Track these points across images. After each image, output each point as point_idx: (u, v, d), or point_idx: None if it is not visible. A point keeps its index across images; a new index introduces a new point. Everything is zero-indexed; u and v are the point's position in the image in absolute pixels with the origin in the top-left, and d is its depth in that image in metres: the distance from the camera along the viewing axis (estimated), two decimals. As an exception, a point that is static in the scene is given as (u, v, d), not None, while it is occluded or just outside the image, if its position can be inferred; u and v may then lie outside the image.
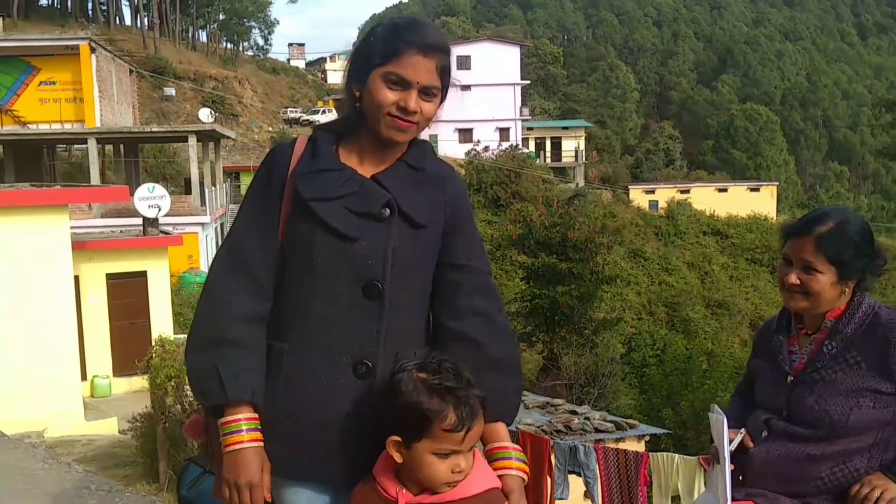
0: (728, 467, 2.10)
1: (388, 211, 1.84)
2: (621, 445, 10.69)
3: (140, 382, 14.14)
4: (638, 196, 50.05)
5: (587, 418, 13.50)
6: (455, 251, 1.95)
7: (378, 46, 1.83)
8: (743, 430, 2.22)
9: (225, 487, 1.80)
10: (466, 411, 1.70)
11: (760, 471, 2.17)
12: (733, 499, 2.12)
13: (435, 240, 1.92)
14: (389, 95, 1.80)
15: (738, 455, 2.19)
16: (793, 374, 2.18)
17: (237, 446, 1.78)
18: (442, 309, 1.95)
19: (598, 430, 12.94)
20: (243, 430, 1.79)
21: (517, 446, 1.89)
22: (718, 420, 2.14)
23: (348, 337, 1.84)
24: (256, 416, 1.82)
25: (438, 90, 1.85)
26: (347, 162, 1.89)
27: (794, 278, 2.14)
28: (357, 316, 1.84)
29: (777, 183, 58.76)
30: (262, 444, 1.82)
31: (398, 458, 1.73)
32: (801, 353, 2.20)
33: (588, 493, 6.56)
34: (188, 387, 8.22)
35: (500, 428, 1.89)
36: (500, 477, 1.81)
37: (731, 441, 2.16)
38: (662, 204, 47.56)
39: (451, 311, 1.93)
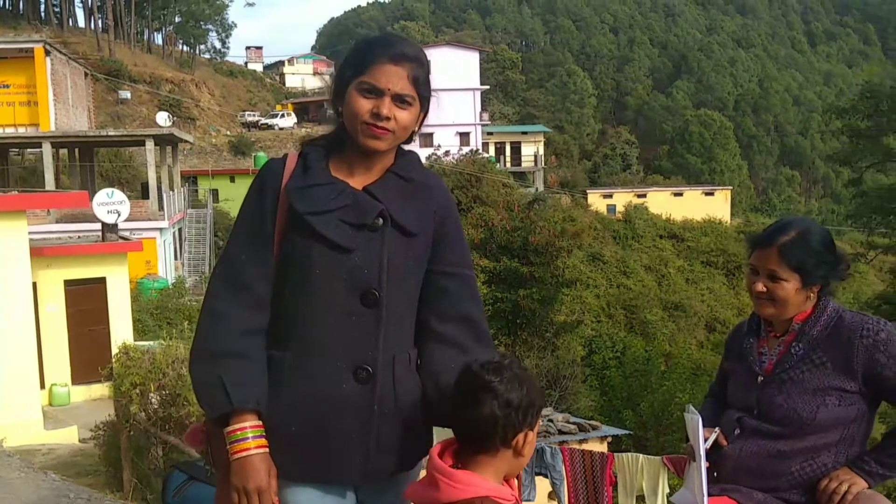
0: (704, 465, 2.21)
1: (381, 221, 1.91)
2: (585, 446, 10.83)
3: (100, 390, 13.93)
4: (596, 200, 50.61)
5: (551, 420, 13.62)
6: (447, 259, 2.03)
7: (353, 61, 1.93)
8: (717, 429, 2.33)
9: (234, 493, 1.86)
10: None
11: (734, 467, 2.28)
12: (709, 494, 2.22)
13: (425, 247, 2.00)
14: (364, 104, 1.88)
15: (713, 452, 2.31)
16: (763, 375, 2.30)
17: (245, 453, 1.85)
18: (430, 313, 2.03)
19: (561, 432, 13.06)
20: (249, 437, 1.86)
21: None
22: (693, 420, 2.25)
23: (348, 344, 1.91)
24: (261, 423, 1.89)
25: (413, 98, 1.92)
26: (338, 175, 1.95)
27: (760, 286, 2.26)
28: (355, 323, 1.91)
29: (731, 187, 59.88)
30: (267, 450, 1.88)
31: (525, 452, 1.84)
32: (771, 354, 2.32)
33: (554, 494, 6.65)
34: (153, 395, 8.16)
35: None
36: None
37: (705, 440, 2.27)
38: (620, 208, 48.14)
39: (439, 315, 2.02)
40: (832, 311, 2.26)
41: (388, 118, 1.88)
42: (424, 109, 1.98)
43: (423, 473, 1.92)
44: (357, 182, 1.96)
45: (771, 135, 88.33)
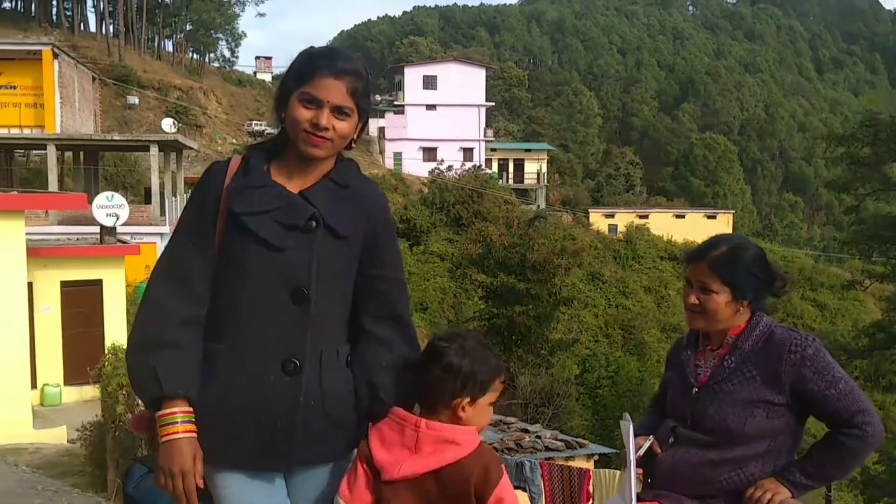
0: (633, 470, 2.29)
1: (314, 223, 2.03)
2: (571, 464, 10.86)
3: (91, 392, 13.99)
4: (598, 220, 50.69)
5: (538, 437, 13.67)
6: (381, 263, 2.16)
7: (296, 72, 2.05)
8: (651, 436, 2.42)
9: (160, 474, 1.97)
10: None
11: (667, 474, 2.36)
12: (642, 500, 2.30)
13: (357, 250, 2.11)
14: (304, 113, 2.00)
15: (648, 459, 2.39)
16: (697, 386, 2.39)
17: (172, 436, 1.96)
18: (363, 313, 2.16)
19: (548, 449, 13.10)
20: (178, 422, 1.97)
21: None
22: (626, 426, 2.33)
23: (277, 338, 2.02)
24: (191, 409, 1.99)
25: (352, 110, 2.03)
26: (278, 179, 2.07)
27: (693, 298, 2.36)
28: (285, 319, 2.02)
29: (734, 211, 59.95)
30: (195, 434, 1.99)
31: (462, 415, 2.03)
32: (706, 366, 2.41)
33: (532, 508, 6.70)
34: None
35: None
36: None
37: (639, 447, 2.36)
38: (621, 228, 48.21)
39: (371, 315, 2.16)
40: (764, 327, 2.34)
41: (326, 128, 2.00)
42: (363, 119, 2.09)
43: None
44: (294, 186, 2.07)
45: (775, 160, 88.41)
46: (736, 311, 2.34)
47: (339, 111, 2.01)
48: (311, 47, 2.10)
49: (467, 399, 2.03)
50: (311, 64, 2.02)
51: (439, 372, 2.02)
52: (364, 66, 2.07)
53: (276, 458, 2.03)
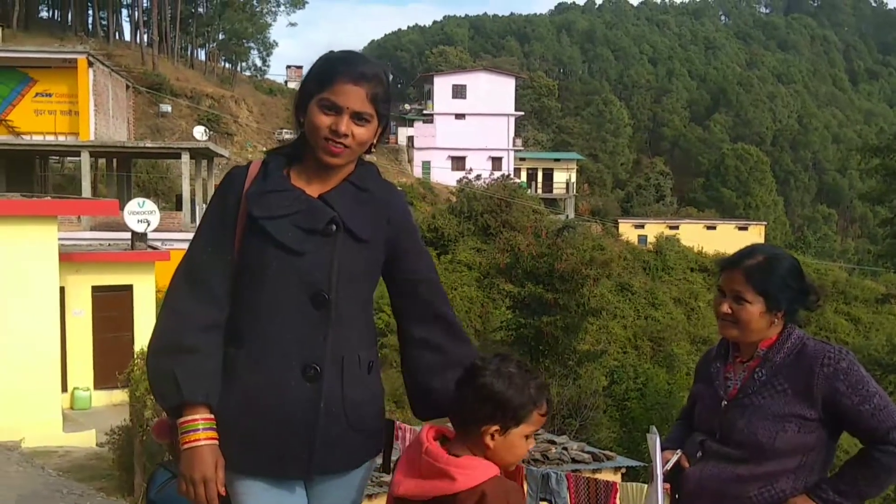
0: (661, 485, 2.23)
1: (333, 227, 2.01)
2: (597, 476, 10.72)
3: (120, 396, 14.14)
4: (627, 230, 50.37)
5: (565, 448, 13.51)
6: (411, 267, 2.14)
7: (315, 76, 2.03)
8: (679, 450, 2.36)
9: (181, 481, 1.96)
10: (550, 400, 1.98)
11: (695, 489, 2.30)
12: None
13: (377, 254, 2.09)
14: (324, 119, 1.99)
15: (676, 474, 2.33)
16: (726, 399, 2.33)
17: (194, 444, 1.94)
18: (408, 319, 2.14)
19: (574, 461, 12.94)
20: (199, 429, 1.95)
21: None
22: (653, 440, 2.28)
23: (297, 343, 1.99)
24: (212, 416, 1.97)
25: (372, 116, 2.01)
26: (297, 183, 2.06)
27: (726, 308, 2.30)
28: (305, 324, 2.00)
29: (766, 223, 59.31)
30: (216, 442, 1.96)
31: (490, 444, 1.89)
32: (736, 379, 2.35)
33: (558, 520, 6.62)
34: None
35: None
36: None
37: (666, 461, 2.30)
38: (651, 239, 47.84)
39: (417, 320, 2.13)
40: (796, 339, 2.28)
41: (345, 135, 1.98)
42: (383, 124, 2.07)
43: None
44: (314, 189, 2.05)
45: (809, 171, 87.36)
46: (769, 322, 2.28)
47: (358, 117, 1.99)
48: (331, 51, 2.08)
49: (496, 427, 1.88)
50: (330, 69, 2.01)
51: (471, 393, 1.90)
52: (384, 71, 2.06)
53: (298, 466, 2.01)
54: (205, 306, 2.00)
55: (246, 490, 2.00)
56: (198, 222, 19.55)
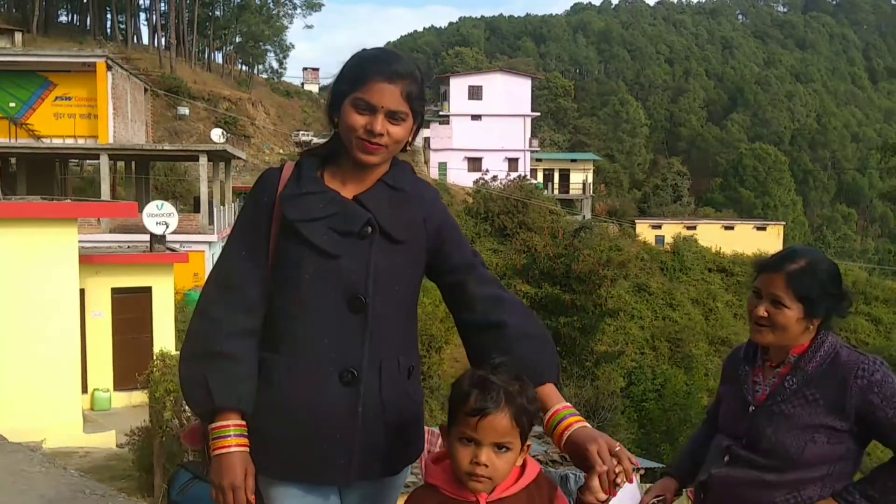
0: None
1: (369, 229, 1.97)
2: (616, 478, 10.67)
3: (140, 397, 14.22)
4: (644, 231, 50.15)
5: (583, 450, 13.46)
6: (451, 260, 2.08)
7: (348, 76, 1.98)
8: (662, 497, 2.39)
9: (212, 488, 1.94)
10: (487, 399, 1.72)
11: (720, 493, 2.27)
12: None
13: (416, 254, 2.04)
14: (358, 119, 1.93)
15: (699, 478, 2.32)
16: (754, 405, 2.27)
17: (224, 450, 1.91)
18: (457, 310, 2.08)
19: (593, 462, 12.89)
20: (231, 435, 1.92)
21: (568, 405, 1.95)
22: (629, 490, 2.19)
23: (334, 348, 1.95)
24: (244, 423, 1.94)
25: (407, 115, 1.97)
26: (332, 184, 2.02)
27: (762, 311, 2.22)
28: (342, 328, 1.95)
29: (784, 223, 58.84)
30: (247, 449, 1.93)
31: (445, 446, 1.81)
32: (765, 384, 2.29)
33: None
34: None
35: (550, 391, 1.96)
36: (568, 436, 1.86)
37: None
38: (668, 239, 47.62)
39: (464, 308, 2.06)
40: (829, 347, 2.22)
41: (381, 134, 1.93)
42: (418, 123, 2.02)
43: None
44: (349, 191, 2.01)
45: (828, 171, 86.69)
46: (805, 328, 2.22)
47: (393, 116, 1.94)
48: (364, 49, 2.03)
49: (442, 425, 1.84)
50: (364, 68, 1.96)
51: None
52: (418, 68, 2.01)
53: (334, 472, 1.96)
54: (238, 312, 1.97)
55: (280, 496, 1.98)
56: (215, 225, 19.58)
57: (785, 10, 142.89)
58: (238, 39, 67.26)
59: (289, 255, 1.97)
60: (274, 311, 2.00)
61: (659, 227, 51.21)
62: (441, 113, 57.96)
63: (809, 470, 2.16)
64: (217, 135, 30.87)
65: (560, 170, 58.75)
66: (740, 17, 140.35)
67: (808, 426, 2.16)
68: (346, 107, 1.95)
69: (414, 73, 1.98)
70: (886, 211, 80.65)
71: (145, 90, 35.08)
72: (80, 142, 26.83)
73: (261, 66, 71.73)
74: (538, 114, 61.91)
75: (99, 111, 27.36)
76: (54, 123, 27.55)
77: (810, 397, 2.18)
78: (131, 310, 15.16)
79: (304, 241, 1.95)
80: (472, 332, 2.04)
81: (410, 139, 2.03)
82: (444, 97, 58.73)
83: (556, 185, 57.35)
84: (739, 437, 2.27)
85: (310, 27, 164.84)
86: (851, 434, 2.16)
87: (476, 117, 56.01)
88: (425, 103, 2.05)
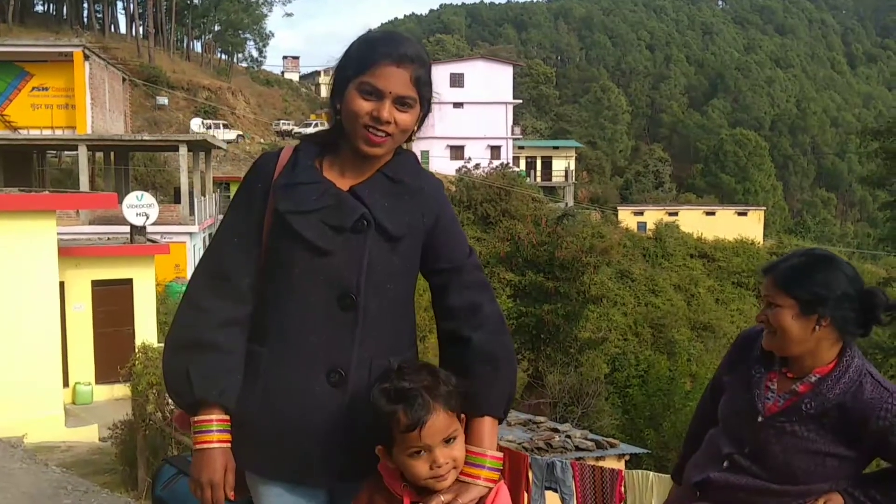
0: None
1: (364, 224, 1.88)
2: (602, 464, 10.70)
3: (122, 390, 14.11)
4: (626, 217, 50.34)
5: (568, 436, 13.52)
6: (439, 263, 1.98)
7: (353, 59, 1.87)
8: None
9: (190, 482, 1.89)
10: (417, 407, 1.71)
11: (718, 497, 2.20)
12: None
13: (413, 251, 1.95)
14: (364, 105, 1.83)
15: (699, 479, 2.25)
16: (763, 415, 2.15)
17: (205, 445, 1.86)
18: (436, 315, 1.99)
19: (578, 449, 12.94)
20: (213, 430, 1.86)
21: (496, 454, 1.85)
22: None
23: (323, 345, 1.88)
24: (228, 417, 1.88)
25: (415, 101, 1.87)
26: (329, 173, 1.92)
27: (762, 315, 2.14)
28: (331, 325, 1.88)
29: (765, 208, 59.22)
30: (229, 445, 1.88)
31: (392, 465, 1.78)
32: (779, 395, 2.16)
33: (563, 509, 6.60)
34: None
35: (483, 427, 1.86)
36: (462, 482, 1.79)
37: None
38: (650, 226, 47.82)
39: (441, 316, 1.98)
40: (854, 374, 2.07)
41: (387, 122, 1.84)
42: (425, 110, 1.93)
43: None
44: (346, 181, 1.92)
45: (807, 156, 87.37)
46: (809, 329, 2.07)
47: (401, 102, 1.84)
48: (370, 31, 1.93)
49: (380, 448, 1.82)
50: (370, 51, 1.85)
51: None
52: (425, 51, 1.91)
53: (320, 472, 1.91)
54: (226, 302, 1.90)
55: (266, 493, 1.93)
56: (196, 215, 19.44)
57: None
58: (217, 28, 66.73)
59: (280, 246, 1.90)
60: (264, 301, 1.93)
61: (641, 213, 51.42)
62: (423, 101, 57.81)
63: (816, 486, 2.10)
64: (197, 124, 30.60)
65: (542, 157, 58.80)
66: (720, 2, 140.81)
67: (820, 452, 2.07)
68: (351, 92, 1.85)
69: (423, 56, 1.89)
70: (865, 195, 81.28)
71: (123, 80, 34.70)
72: (58, 132, 26.52)
73: (240, 55, 71.33)
74: (520, 101, 61.83)
75: (76, 101, 27.02)
76: (31, 114, 27.20)
77: (827, 425, 2.06)
78: (112, 302, 15.02)
79: (294, 233, 1.87)
80: (443, 342, 1.98)
81: (417, 128, 1.93)
82: (426, 85, 58.55)
83: (538, 173, 57.41)
84: (743, 444, 2.16)
85: (290, 15, 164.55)
86: (862, 455, 2.09)
87: (458, 105, 55.84)
88: (433, 89, 1.94)
